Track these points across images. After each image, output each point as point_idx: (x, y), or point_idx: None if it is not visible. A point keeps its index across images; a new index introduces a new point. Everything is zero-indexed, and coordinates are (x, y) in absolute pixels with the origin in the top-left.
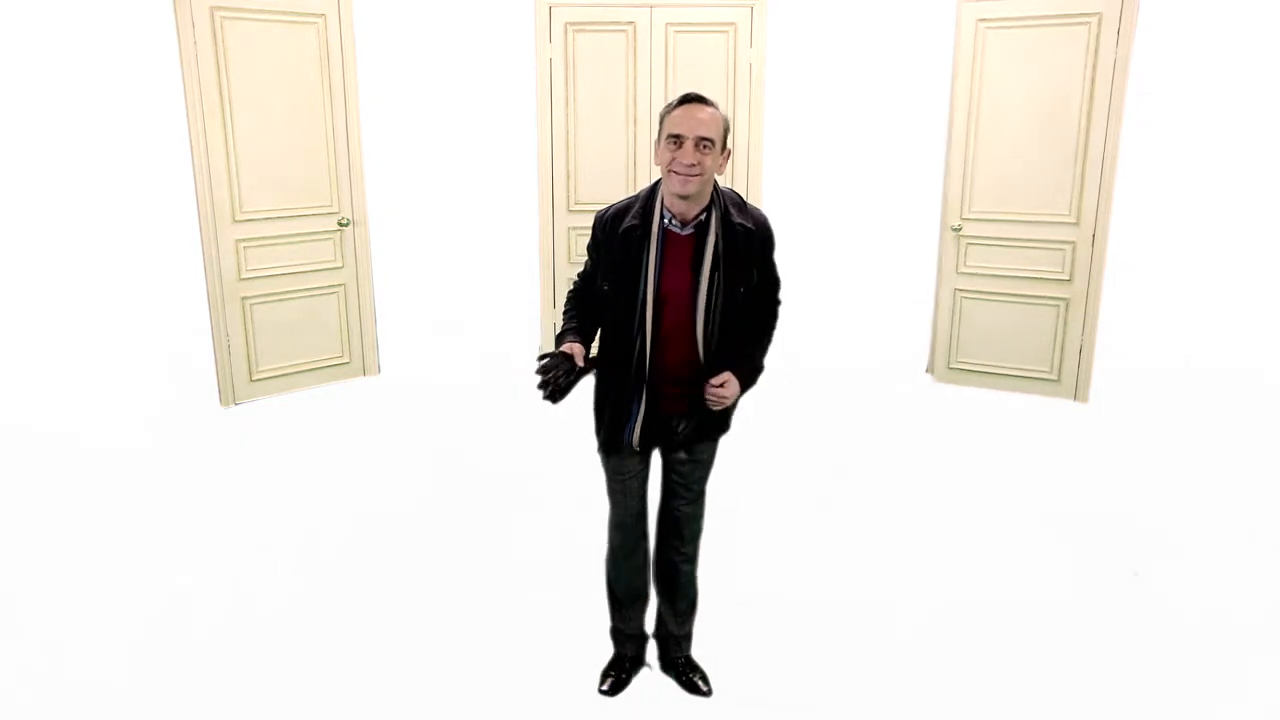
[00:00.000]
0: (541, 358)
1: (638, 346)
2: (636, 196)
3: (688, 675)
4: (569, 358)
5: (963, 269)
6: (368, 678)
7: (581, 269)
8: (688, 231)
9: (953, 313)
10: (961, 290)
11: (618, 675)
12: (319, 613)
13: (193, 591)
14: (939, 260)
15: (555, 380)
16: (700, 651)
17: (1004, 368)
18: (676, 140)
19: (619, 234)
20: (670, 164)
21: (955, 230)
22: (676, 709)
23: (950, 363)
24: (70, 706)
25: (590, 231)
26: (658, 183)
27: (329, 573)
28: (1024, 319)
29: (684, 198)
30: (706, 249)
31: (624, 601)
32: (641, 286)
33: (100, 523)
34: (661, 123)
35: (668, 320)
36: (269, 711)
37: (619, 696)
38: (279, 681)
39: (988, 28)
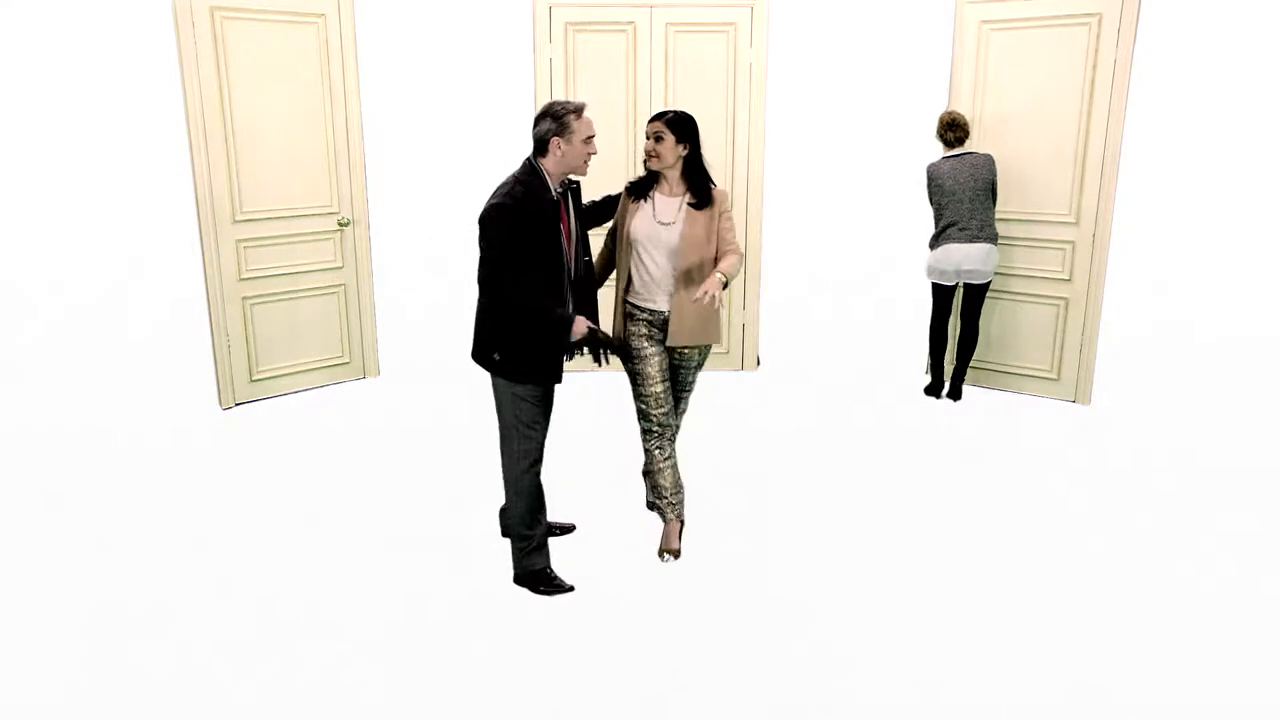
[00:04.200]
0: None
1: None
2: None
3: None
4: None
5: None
6: (367, 677)
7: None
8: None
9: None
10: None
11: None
12: (319, 612)
13: (192, 591)
14: None
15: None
16: (699, 653)
17: (1008, 367)
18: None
19: (539, 209)
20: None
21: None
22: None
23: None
24: (68, 705)
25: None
26: (533, 165)
27: (329, 572)
28: (1024, 318)
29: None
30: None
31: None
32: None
33: (100, 522)
34: (572, 124)
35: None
36: (267, 710)
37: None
38: (278, 681)
39: (991, 29)
